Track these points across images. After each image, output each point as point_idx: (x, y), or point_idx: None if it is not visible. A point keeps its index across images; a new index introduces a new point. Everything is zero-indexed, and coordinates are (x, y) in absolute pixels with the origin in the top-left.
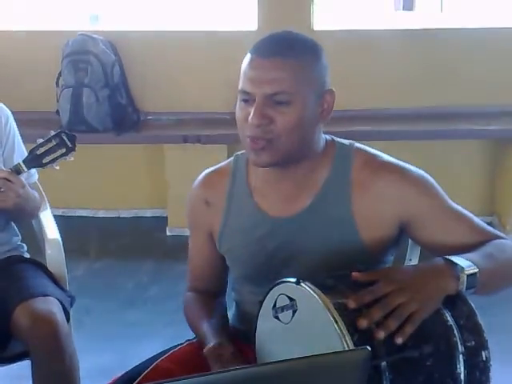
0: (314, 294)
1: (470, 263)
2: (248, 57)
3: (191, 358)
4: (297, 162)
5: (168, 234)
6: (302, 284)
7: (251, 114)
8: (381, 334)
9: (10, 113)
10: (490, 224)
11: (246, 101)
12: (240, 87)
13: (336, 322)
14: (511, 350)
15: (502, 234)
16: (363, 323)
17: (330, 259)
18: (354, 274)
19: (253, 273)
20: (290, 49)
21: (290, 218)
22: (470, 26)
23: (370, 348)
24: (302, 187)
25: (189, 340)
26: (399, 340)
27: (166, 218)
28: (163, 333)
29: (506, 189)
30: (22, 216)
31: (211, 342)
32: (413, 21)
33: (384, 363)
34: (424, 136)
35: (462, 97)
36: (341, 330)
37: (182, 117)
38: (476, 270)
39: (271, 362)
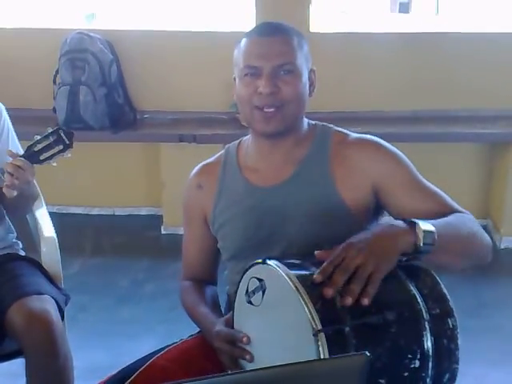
0: (279, 269)
1: (427, 222)
2: (248, 39)
3: (186, 356)
4: (286, 134)
5: (163, 232)
6: (267, 262)
7: (263, 84)
8: (348, 300)
9: (3, 106)
10: (484, 227)
11: (252, 75)
12: (245, 64)
13: (297, 290)
14: (503, 351)
15: (466, 211)
16: (329, 292)
17: (315, 223)
18: (316, 252)
19: (243, 247)
20: (286, 30)
21: (277, 185)
22: (467, 30)
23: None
24: (287, 159)
25: (183, 339)
26: (365, 301)
27: (161, 216)
28: (158, 330)
29: (501, 192)
30: (21, 206)
31: (213, 323)
32: (409, 23)
33: (347, 328)
34: (419, 138)
35: (457, 100)
36: (303, 299)
37: (178, 116)
38: (432, 229)
39: (267, 368)
